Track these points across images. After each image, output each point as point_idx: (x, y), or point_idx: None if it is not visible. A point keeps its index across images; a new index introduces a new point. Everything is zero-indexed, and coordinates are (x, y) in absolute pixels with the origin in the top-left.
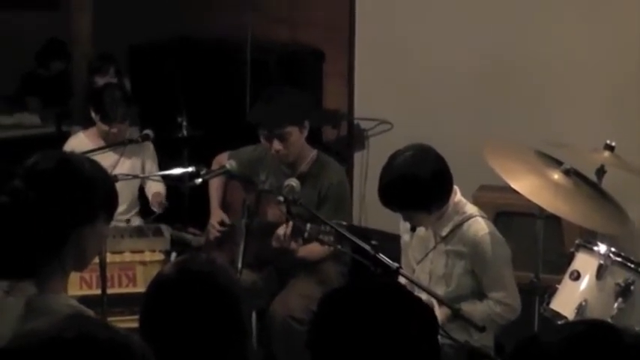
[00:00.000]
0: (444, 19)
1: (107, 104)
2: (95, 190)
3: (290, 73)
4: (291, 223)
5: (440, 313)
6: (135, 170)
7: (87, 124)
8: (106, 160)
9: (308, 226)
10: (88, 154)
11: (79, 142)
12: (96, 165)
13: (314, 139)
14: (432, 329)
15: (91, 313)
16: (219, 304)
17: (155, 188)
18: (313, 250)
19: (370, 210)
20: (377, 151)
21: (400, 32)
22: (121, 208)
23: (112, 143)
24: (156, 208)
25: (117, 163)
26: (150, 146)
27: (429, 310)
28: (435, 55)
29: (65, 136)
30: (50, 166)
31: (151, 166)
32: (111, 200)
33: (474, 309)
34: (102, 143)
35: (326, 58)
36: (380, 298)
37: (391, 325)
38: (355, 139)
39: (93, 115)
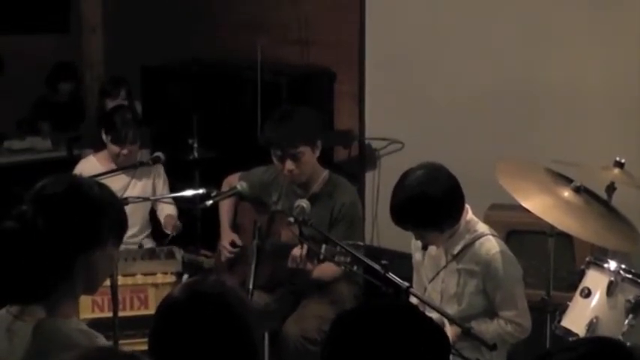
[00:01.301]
0: (455, 40)
1: (118, 125)
2: (104, 214)
3: (301, 94)
4: (306, 245)
5: (450, 331)
6: (146, 193)
7: (98, 147)
8: (117, 182)
9: (324, 247)
10: (100, 178)
11: (90, 165)
12: (105, 189)
13: (325, 159)
14: (443, 349)
15: (101, 337)
16: (230, 326)
17: (167, 211)
18: (327, 270)
19: (382, 229)
20: (388, 170)
21: (411, 52)
22: (132, 231)
23: (123, 166)
24: (169, 231)
25: (128, 186)
26: (160, 169)
27: (440, 330)
28: (445, 74)
29: (76, 160)
30: (58, 191)
31: (162, 188)
32: (120, 224)
33: (484, 328)
34: (113, 166)
35: (337, 79)
36: (391, 319)
37: (403, 346)
38: (366, 158)
39: (104, 137)
